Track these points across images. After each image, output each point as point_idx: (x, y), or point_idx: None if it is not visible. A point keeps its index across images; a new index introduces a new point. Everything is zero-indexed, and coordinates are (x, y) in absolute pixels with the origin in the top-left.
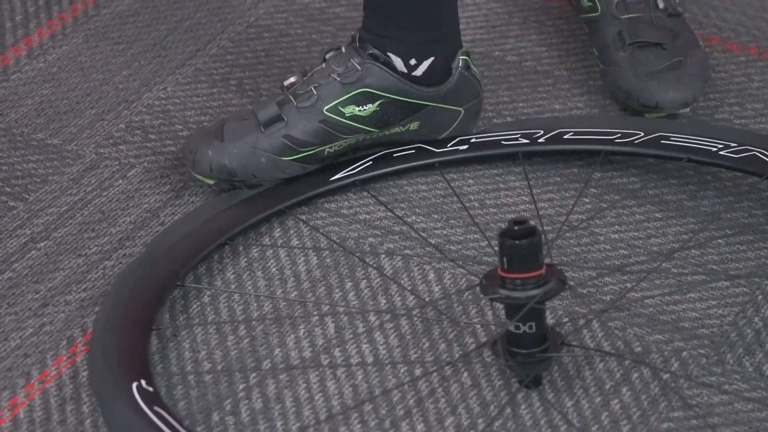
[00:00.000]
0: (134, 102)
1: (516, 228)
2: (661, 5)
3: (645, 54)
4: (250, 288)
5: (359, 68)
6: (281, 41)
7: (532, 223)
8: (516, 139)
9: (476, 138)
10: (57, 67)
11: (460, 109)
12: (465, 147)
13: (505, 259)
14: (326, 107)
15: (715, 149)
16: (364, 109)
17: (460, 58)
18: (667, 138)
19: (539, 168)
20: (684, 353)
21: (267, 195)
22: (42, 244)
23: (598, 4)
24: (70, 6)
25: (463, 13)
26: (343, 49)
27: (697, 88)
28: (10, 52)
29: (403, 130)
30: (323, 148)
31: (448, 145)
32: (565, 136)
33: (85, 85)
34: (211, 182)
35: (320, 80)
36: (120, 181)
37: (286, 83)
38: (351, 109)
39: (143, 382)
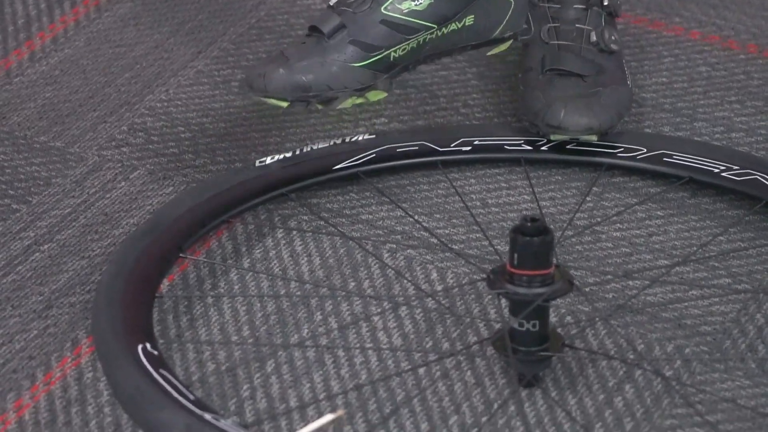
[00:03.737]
0: (136, 104)
1: (529, 224)
2: (593, 38)
3: (562, 81)
4: (258, 266)
5: None
6: (283, 43)
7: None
8: (519, 144)
9: (479, 141)
10: (59, 70)
11: (511, 0)
12: (468, 148)
13: (515, 255)
14: (383, 6)
15: (717, 170)
16: (420, 3)
17: None
18: (670, 156)
19: (540, 167)
20: (686, 350)
21: (270, 177)
22: (45, 247)
23: (532, 27)
24: (72, 9)
25: None
26: None
27: (606, 118)
28: (12, 56)
29: (459, 26)
30: (389, 51)
31: (451, 145)
32: (568, 146)
33: (88, 87)
34: (285, 104)
35: None
36: (123, 184)
37: (331, 2)
38: (408, 5)
39: (148, 345)
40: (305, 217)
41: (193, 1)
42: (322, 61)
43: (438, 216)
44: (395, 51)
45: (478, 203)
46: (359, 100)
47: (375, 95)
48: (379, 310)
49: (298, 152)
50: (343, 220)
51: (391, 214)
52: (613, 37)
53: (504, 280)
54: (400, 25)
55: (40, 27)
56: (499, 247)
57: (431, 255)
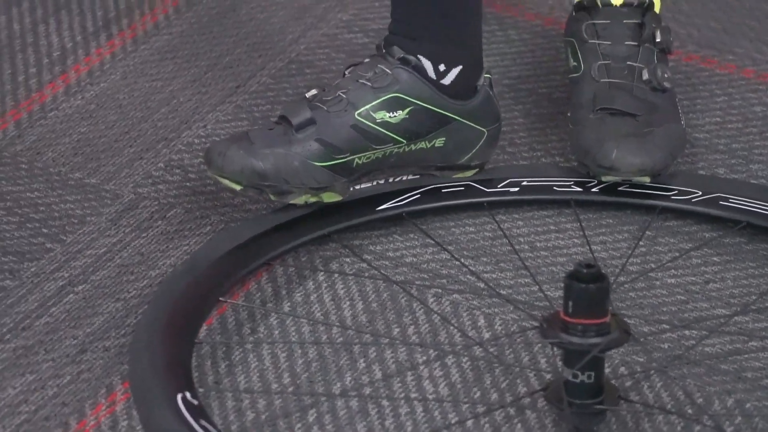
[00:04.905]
0: (173, 140)
1: (585, 271)
2: (645, 76)
3: (614, 120)
4: (298, 310)
5: (389, 72)
6: (323, 78)
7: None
8: (569, 185)
9: (528, 181)
10: (95, 104)
11: (484, 130)
12: (516, 189)
13: (570, 303)
14: (358, 111)
15: None
16: (395, 116)
17: (485, 76)
18: (726, 199)
19: (591, 209)
20: (748, 405)
21: (311, 219)
22: (80, 288)
23: (582, 65)
24: (108, 42)
25: (509, 50)
26: (367, 60)
27: (660, 158)
28: (47, 89)
29: (428, 146)
30: (353, 157)
31: (499, 186)
32: (620, 187)
33: (124, 122)
34: (239, 187)
35: (348, 86)
36: (159, 222)
37: (308, 95)
38: (382, 115)
39: (188, 394)
40: (347, 260)
41: (231, 34)
42: (284, 153)
43: (485, 259)
44: (359, 157)
45: (527, 246)
46: (313, 199)
47: (330, 197)
48: (424, 358)
49: None
50: (387, 262)
51: (436, 257)
52: (665, 75)
53: (557, 329)
54: (370, 134)
55: (75, 60)
56: (549, 292)
57: (478, 300)
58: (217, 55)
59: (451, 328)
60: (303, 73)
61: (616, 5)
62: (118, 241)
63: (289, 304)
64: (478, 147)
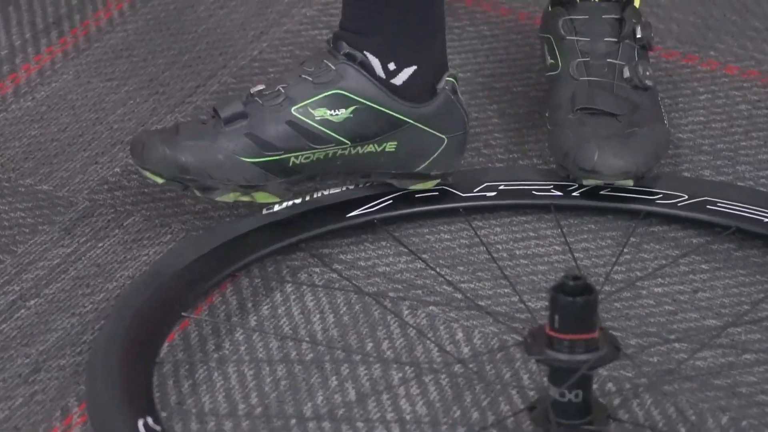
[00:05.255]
0: (130, 144)
1: (571, 283)
2: (626, 74)
3: (594, 120)
4: (265, 325)
5: (333, 68)
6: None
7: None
8: (548, 189)
9: (505, 185)
10: (46, 105)
11: (444, 137)
12: (493, 194)
13: (556, 317)
14: (294, 107)
15: (765, 219)
16: (337, 114)
17: (447, 79)
18: (714, 203)
19: (572, 214)
20: (743, 423)
21: (278, 226)
22: (32, 302)
23: (560, 62)
24: (59, 39)
25: (481, 46)
26: (313, 54)
27: (643, 160)
28: None
29: (378, 149)
30: (288, 156)
31: (475, 190)
32: (602, 191)
33: (77, 125)
34: (161, 180)
35: (288, 80)
36: (116, 231)
37: (252, 90)
38: (322, 112)
39: (150, 419)
40: (317, 270)
41: (189, 31)
42: (208, 146)
43: (461, 268)
44: (296, 156)
45: (505, 254)
46: (244, 198)
47: (264, 197)
48: (400, 375)
49: (308, 198)
50: (358, 272)
51: (410, 266)
52: (647, 73)
53: (543, 345)
54: (308, 131)
55: (25, 59)
56: (530, 303)
57: (456, 312)
58: (175, 53)
59: (428, 342)
60: (266, 72)
61: (594, 0)
62: (72, 251)
63: (255, 317)
64: (436, 155)
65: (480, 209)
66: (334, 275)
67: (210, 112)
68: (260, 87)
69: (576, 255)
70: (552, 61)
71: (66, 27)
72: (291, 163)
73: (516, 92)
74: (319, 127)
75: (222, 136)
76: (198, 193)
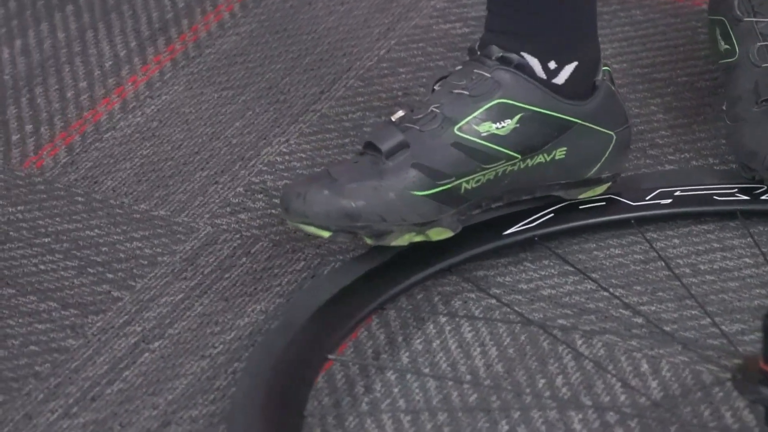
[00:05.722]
0: (252, 159)
1: None
2: None
3: None
4: (419, 362)
5: (488, 75)
6: (420, 77)
7: None
8: (732, 194)
9: (681, 190)
10: (157, 121)
11: (612, 133)
12: (668, 201)
13: None
14: (458, 126)
15: None
16: (503, 127)
17: (604, 69)
18: None
19: (762, 221)
20: None
21: (426, 250)
22: (156, 344)
23: (737, 48)
24: (167, 47)
25: (635, 33)
26: (459, 67)
27: None
28: (101, 106)
29: (548, 159)
30: (460, 182)
31: (647, 198)
32: None
33: (192, 141)
34: (327, 234)
35: (441, 99)
36: (243, 259)
37: (393, 117)
38: (487, 127)
39: None
40: (472, 296)
41: (308, 31)
42: (376, 186)
43: (638, 288)
44: (467, 181)
45: (688, 270)
46: (418, 238)
47: (438, 233)
48: (581, 416)
49: None
50: (520, 297)
51: (578, 287)
52: None
53: (757, 382)
54: (477, 151)
55: (131, 70)
56: (724, 326)
57: (638, 340)
58: (293, 56)
59: (609, 376)
60: (396, 73)
61: None
62: (196, 284)
63: (407, 354)
64: (607, 155)
65: (654, 219)
66: (493, 301)
67: (358, 149)
68: (400, 113)
69: None
70: (727, 46)
71: (174, 33)
72: (463, 190)
73: (680, 83)
74: (487, 144)
75: (387, 172)
76: (369, 241)
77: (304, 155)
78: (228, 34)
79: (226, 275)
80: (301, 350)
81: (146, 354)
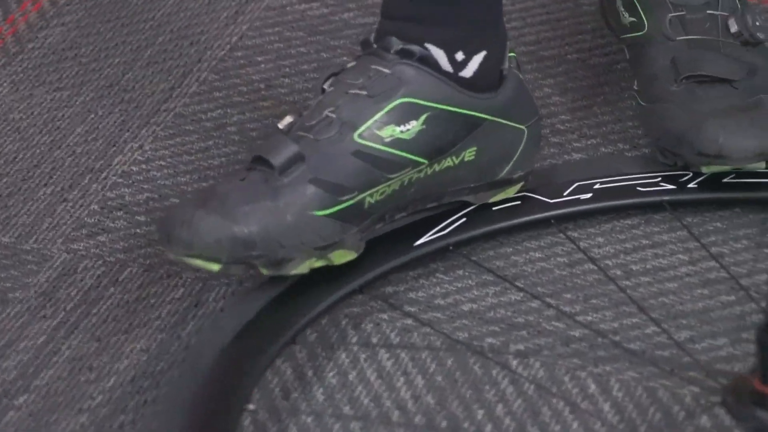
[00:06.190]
0: (103, 171)
1: None
2: (733, 28)
3: (706, 91)
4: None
5: (387, 71)
6: (282, 66)
7: None
8: (657, 183)
9: (601, 183)
10: None
11: (523, 127)
12: (588, 196)
13: None
14: (357, 132)
15: None
16: (407, 129)
17: (510, 55)
18: None
19: (690, 212)
20: None
21: (333, 270)
22: (21, 400)
23: (645, 20)
24: None
25: (513, 6)
26: (352, 63)
27: None
28: None
29: (456, 162)
30: (363, 196)
31: (564, 194)
32: (725, 179)
33: (29, 152)
34: (217, 267)
35: (336, 101)
36: (112, 290)
37: (281, 125)
38: (390, 131)
39: None
40: (384, 316)
41: (146, 18)
42: (271, 207)
43: (568, 296)
44: (371, 195)
45: (619, 272)
46: (319, 263)
47: (341, 256)
48: None
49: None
50: (438, 314)
51: (501, 299)
52: (757, 23)
53: (749, 404)
54: (381, 159)
55: None
56: (676, 336)
57: (579, 357)
58: (133, 48)
59: (554, 401)
60: (254, 63)
61: None
62: (60, 323)
63: (321, 391)
64: (519, 152)
65: (574, 216)
66: (409, 321)
67: (246, 163)
68: (289, 119)
69: (712, 265)
70: (632, 19)
71: None
72: (367, 205)
73: (571, 61)
74: (391, 150)
75: (282, 190)
76: (265, 272)
77: (163, 162)
78: (51, 24)
79: (94, 310)
80: (215, 404)
81: (11, 413)
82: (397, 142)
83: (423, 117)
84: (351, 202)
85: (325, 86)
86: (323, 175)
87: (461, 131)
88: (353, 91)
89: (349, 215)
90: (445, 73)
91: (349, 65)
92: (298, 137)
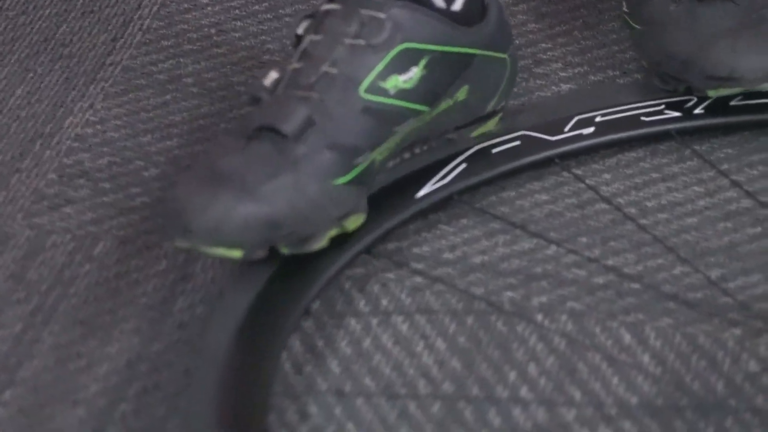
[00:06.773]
0: (55, 135)
1: None
2: None
3: (707, 10)
4: (353, 371)
5: (383, 16)
6: (231, 8)
7: None
8: (661, 111)
9: (602, 116)
10: None
11: (506, 56)
12: (590, 130)
13: None
14: (363, 87)
15: None
16: (409, 78)
17: None
18: None
19: (697, 140)
20: None
21: (335, 238)
22: (7, 395)
23: None
24: None
25: None
26: (335, 6)
27: None
28: None
29: (451, 103)
30: (373, 155)
31: (566, 130)
32: (732, 102)
33: None
34: (239, 253)
35: (333, 54)
36: (87, 266)
37: (267, 83)
38: (394, 81)
39: None
40: (391, 276)
41: None
42: (294, 181)
43: (584, 239)
44: (380, 153)
45: (633, 210)
46: (335, 232)
47: (354, 222)
48: (574, 412)
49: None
50: (449, 269)
51: (513, 248)
52: None
53: None
54: (388, 113)
55: None
56: (710, 274)
57: (607, 304)
58: None
59: (590, 355)
60: (200, 6)
61: None
62: (36, 308)
63: (336, 362)
64: (504, 82)
65: (577, 152)
66: (418, 279)
67: (241, 128)
68: (275, 75)
69: (727, 194)
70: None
71: None
72: (376, 165)
73: None
74: (396, 101)
75: (302, 160)
76: (286, 251)
77: (119, 122)
78: None
79: (71, 290)
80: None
81: None
82: (401, 93)
83: (423, 62)
84: (365, 164)
85: (300, 31)
86: (339, 138)
87: (455, 71)
88: (348, 41)
89: (364, 178)
90: (439, 10)
91: (329, 8)
92: (300, 98)
